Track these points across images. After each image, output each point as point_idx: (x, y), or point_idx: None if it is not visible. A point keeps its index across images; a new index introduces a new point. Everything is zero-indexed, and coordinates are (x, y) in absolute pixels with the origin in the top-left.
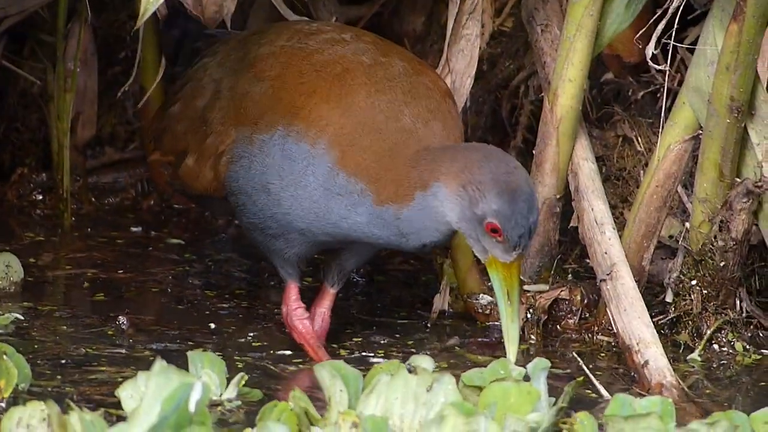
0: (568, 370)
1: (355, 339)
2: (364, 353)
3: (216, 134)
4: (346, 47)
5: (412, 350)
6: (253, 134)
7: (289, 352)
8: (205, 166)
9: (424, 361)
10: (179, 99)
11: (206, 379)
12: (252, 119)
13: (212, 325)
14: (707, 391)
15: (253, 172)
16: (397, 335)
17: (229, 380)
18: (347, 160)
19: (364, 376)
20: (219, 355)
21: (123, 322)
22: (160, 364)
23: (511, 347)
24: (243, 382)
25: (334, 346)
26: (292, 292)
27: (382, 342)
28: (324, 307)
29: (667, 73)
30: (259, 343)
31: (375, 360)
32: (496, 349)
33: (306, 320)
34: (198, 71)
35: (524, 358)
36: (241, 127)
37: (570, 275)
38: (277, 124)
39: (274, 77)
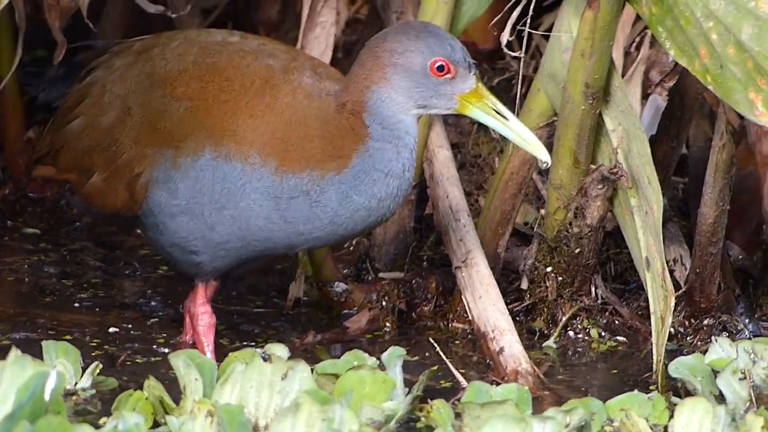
0: (423, 357)
1: (219, 327)
2: (245, 342)
3: (130, 154)
4: (258, 58)
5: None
6: (177, 158)
7: (146, 343)
8: (119, 185)
9: (278, 349)
10: (79, 115)
11: (61, 368)
12: (172, 141)
13: (69, 315)
14: (563, 378)
15: (180, 196)
16: (262, 324)
17: (84, 369)
18: (288, 161)
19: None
20: (76, 345)
21: None
22: (15, 353)
23: (539, 148)
24: (98, 371)
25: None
26: (200, 293)
27: (255, 331)
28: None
29: (522, 59)
30: (115, 332)
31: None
32: (352, 344)
33: (209, 329)
34: (93, 87)
35: (379, 345)
36: (160, 149)
37: (425, 262)
38: (203, 147)
39: (192, 96)
